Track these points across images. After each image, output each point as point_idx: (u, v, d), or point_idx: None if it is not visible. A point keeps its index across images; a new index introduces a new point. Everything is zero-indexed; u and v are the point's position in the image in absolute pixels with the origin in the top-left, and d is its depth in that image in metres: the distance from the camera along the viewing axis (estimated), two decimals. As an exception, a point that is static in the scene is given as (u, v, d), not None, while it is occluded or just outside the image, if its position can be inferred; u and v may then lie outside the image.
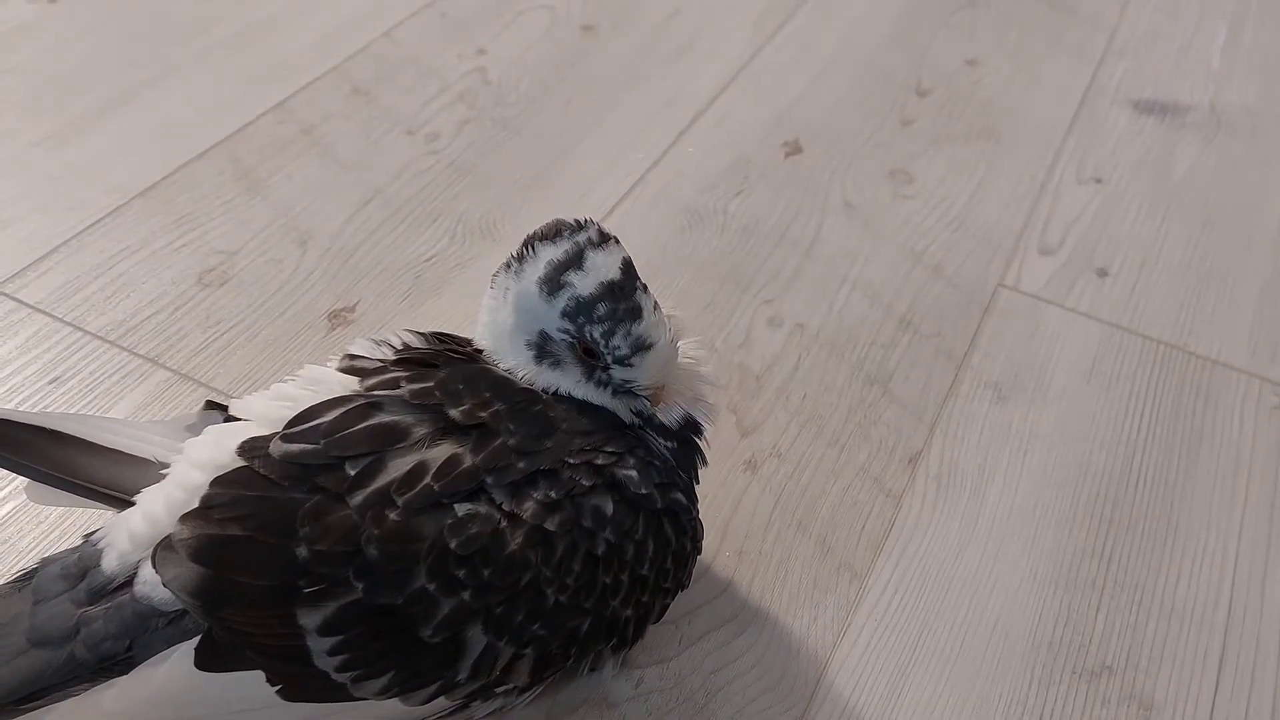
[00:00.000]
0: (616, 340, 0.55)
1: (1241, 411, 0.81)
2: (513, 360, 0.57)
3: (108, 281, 0.82)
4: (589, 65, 1.08)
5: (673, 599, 0.60)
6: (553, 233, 0.55)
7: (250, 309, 0.81)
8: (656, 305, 0.56)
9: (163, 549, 0.50)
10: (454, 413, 0.53)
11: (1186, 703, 0.65)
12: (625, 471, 0.54)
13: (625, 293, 0.54)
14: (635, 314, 0.55)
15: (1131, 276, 0.91)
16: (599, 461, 0.54)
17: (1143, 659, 0.67)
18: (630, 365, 0.55)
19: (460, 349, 0.59)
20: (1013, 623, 0.68)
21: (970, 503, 0.74)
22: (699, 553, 0.60)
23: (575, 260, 0.54)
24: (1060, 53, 1.16)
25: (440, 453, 0.51)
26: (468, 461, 0.51)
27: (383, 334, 0.59)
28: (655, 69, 1.08)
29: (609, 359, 0.55)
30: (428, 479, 0.51)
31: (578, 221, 0.56)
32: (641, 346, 0.55)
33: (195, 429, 0.57)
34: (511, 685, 0.55)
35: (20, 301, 0.80)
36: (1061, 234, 0.95)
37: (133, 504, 0.54)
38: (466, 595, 0.50)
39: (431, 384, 0.54)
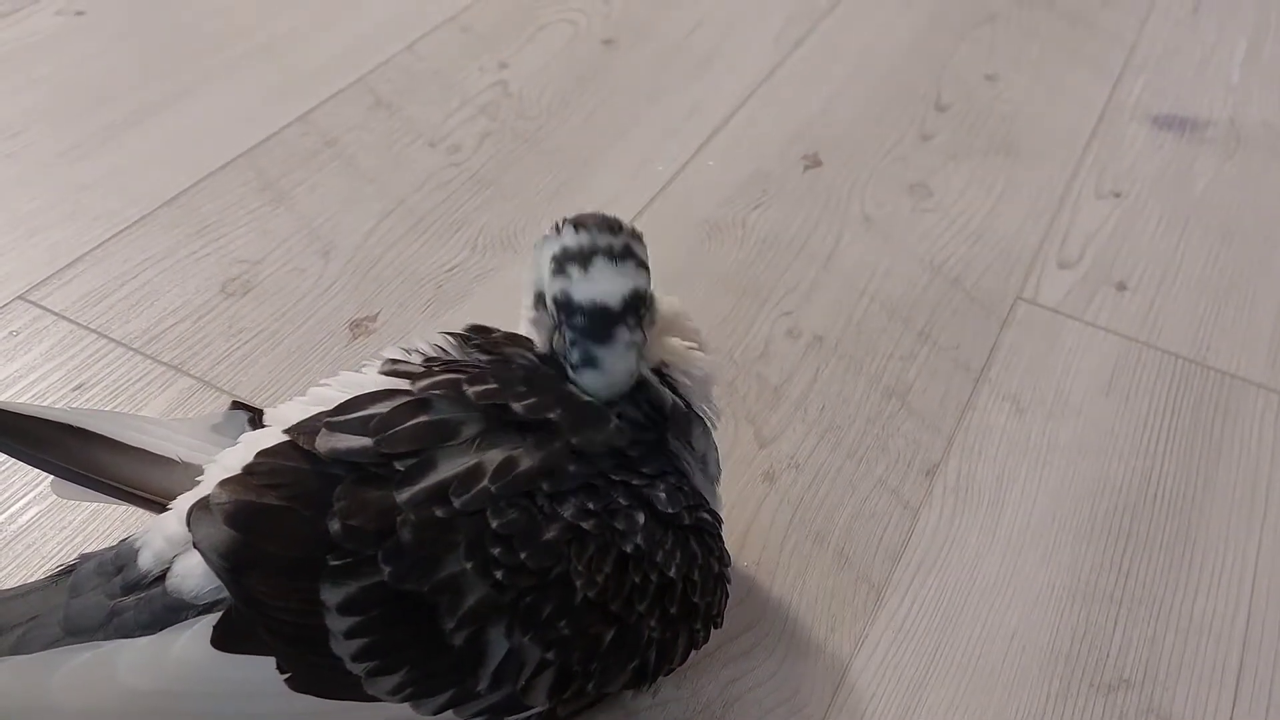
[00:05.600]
0: (573, 348, 0.54)
1: (1261, 426, 0.81)
2: (523, 321, 0.58)
3: (132, 290, 0.83)
4: (610, 78, 1.09)
5: (704, 634, 0.59)
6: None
7: (273, 318, 0.82)
8: (640, 344, 0.55)
9: (198, 509, 0.51)
10: (517, 407, 0.53)
11: (1205, 717, 0.65)
12: (656, 493, 0.55)
13: (609, 319, 0.54)
14: (604, 339, 0.54)
15: (1150, 291, 0.91)
16: (634, 482, 0.54)
17: (1161, 672, 0.67)
18: (577, 372, 0.55)
19: (494, 343, 0.58)
20: (1030, 635, 0.68)
21: (988, 515, 0.74)
22: (727, 581, 0.60)
23: (581, 255, 0.54)
24: (1079, 67, 1.16)
25: (495, 455, 0.51)
26: (525, 464, 0.52)
27: (411, 342, 0.59)
28: (676, 82, 1.09)
29: (561, 350, 0.55)
30: (484, 481, 0.51)
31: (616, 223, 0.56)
32: (588, 361, 0.54)
33: (221, 428, 0.57)
34: (529, 710, 0.54)
35: (46, 309, 0.81)
36: (1080, 248, 0.95)
37: (158, 503, 0.54)
38: (499, 575, 0.50)
39: (495, 385, 0.54)
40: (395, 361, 0.57)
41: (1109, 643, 0.68)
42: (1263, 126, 1.10)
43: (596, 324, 0.54)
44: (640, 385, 0.57)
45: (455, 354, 0.58)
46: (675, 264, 0.89)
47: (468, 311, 0.83)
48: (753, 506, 0.73)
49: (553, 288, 0.54)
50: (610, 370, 0.54)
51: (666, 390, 0.58)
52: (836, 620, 0.67)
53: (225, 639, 0.50)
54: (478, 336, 0.59)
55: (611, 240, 0.55)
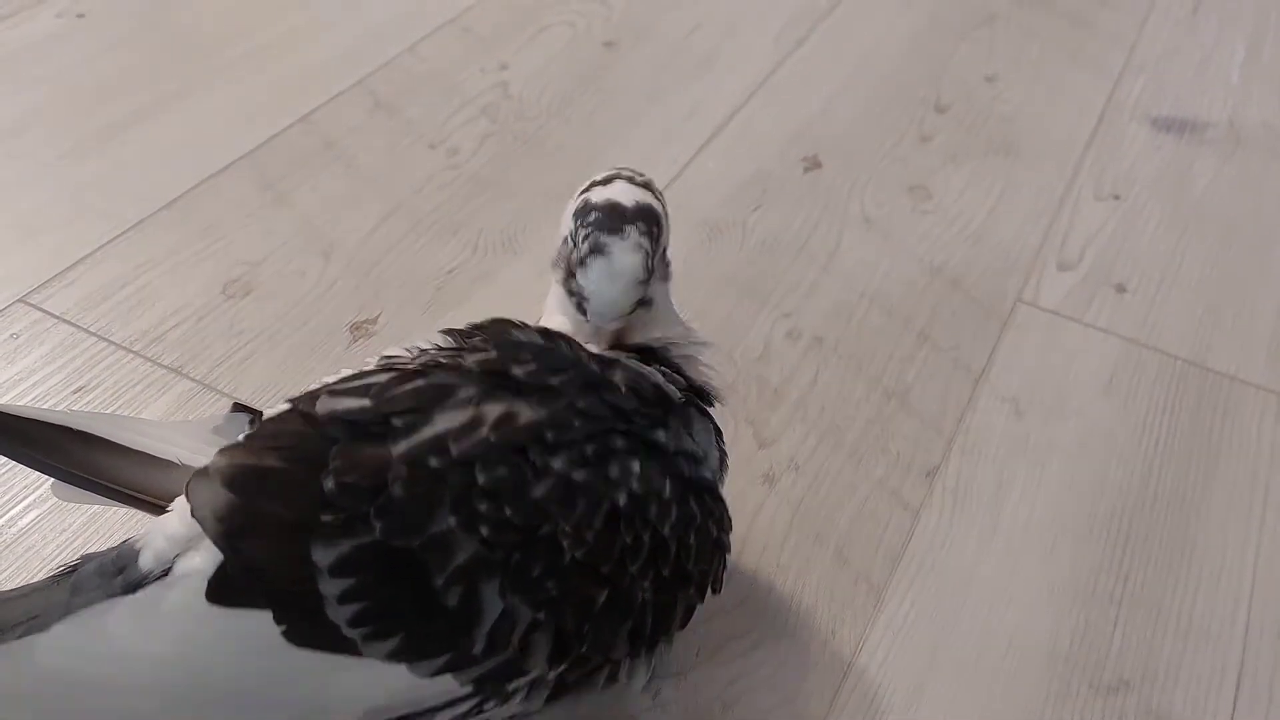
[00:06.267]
0: (584, 242, 0.57)
1: (1260, 427, 0.81)
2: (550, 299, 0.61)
3: (133, 292, 0.83)
4: (610, 80, 1.09)
5: (700, 598, 0.59)
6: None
7: (273, 319, 0.82)
8: (649, 254, 0.58)
9: (197, 476, 0.51)
10: (519, 371, 0.53)
11: (1204, 718, 0.65)
12: (656, 432, 0.55)
13: (622, 216, 0.57)
14: (615, 230, 0.57)
15: (1150, 292, 0.92)
16: (636, 420, 0.55)
17: (1160, 674, 0.67)
18: (584, 266, 0.57)
19: (497, 332, 0.58)
20: (1029, 637, 0.68)
21: (987, 516, 0.74)
22: (726, 549, 0.59)
23: (606, 181, 0.59)
24: (1079, 69, 1.16)
25: (495, 408, 0.52)
26: (526, 417, 0.52)
27: (411, 341, 0.59)
28: (676, 84, 1.09)
29: (574, 257, 0.57)
30: (484, 430, 0.51)
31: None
32: (596, 249, 0.57)
33: (222, 430, 0.57)
34: (529, 677, 0.54)
35: (46, 311, 0.81)
36: (1080, 249, 0.95)
37: (159, 505, 0.54)
38: (485, 532, 0.50)
39: (495, 354, 0.54)
40: (392, 357, 0.57)
41: (1108, 644, 0.68)
42: (1262, 128, 1.10)
43: (610, 217, 0.57)
44: (642, 375, 0.57)
45: (453, 345, 0.58)
46: (675, 265, 0.89)
47: (468, 312, 0.83)
48: (753, 507, 0.73)
49: (574, 206, 0.59)
50: (617, 260, 0.56)
51: (660, 371, 0.59)
52: (837, 621, 0.67)
53: (220, 593, 0.50)
54: (479, 331, 0.59)
55: (633, 174, 0.60)
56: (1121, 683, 0.66)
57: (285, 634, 0.50)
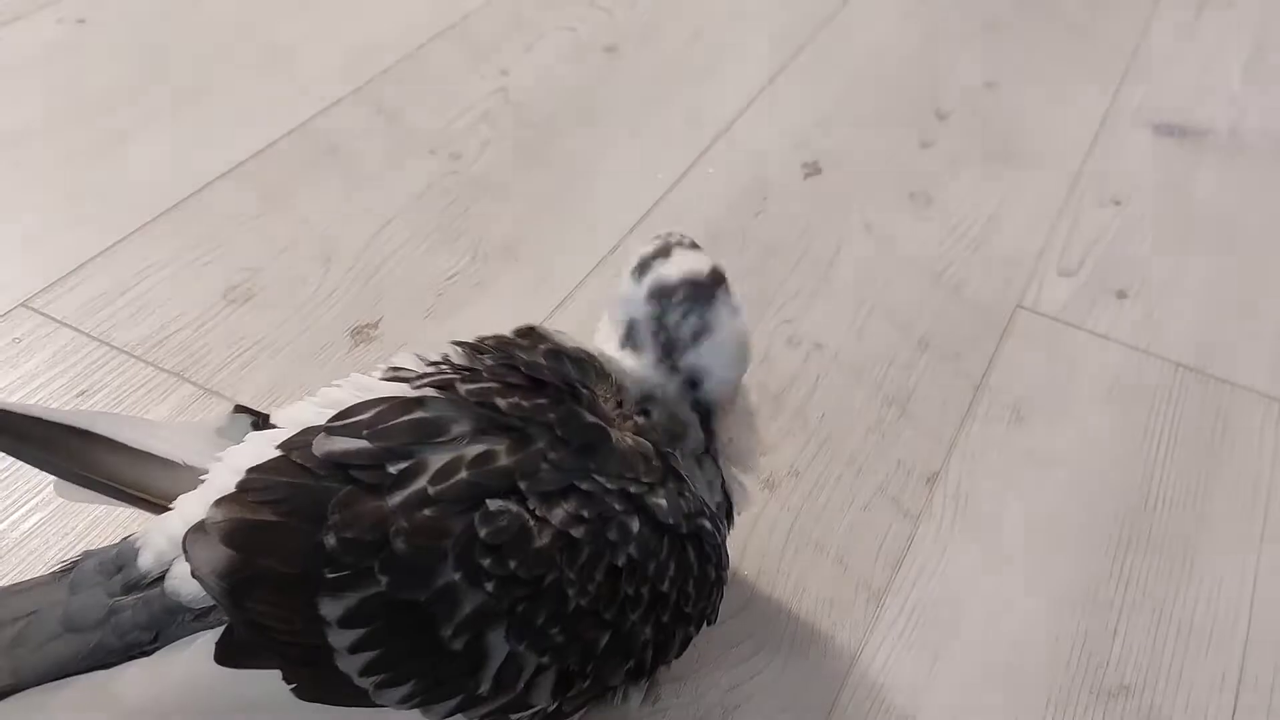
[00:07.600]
0: (686, 322, 0.58)
1: (1261, 434, 0.81)
2: (607, 345, 0.61)
3: (134, 297, 0.83)
4: (610, 86, 1.09)
5: (696, 631, 0.59)
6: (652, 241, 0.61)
7: (274, 325, 0.82)
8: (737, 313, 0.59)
9: (194, 532, 0.51)
10: (501, 403, 0.53)
11: (1205, 724, 0.65)
12: (655, 500, 0.55)
13: (704, 288, 0.58)
14: (708, 299, 0.58)
15: (1151, 299, 0.92)
16: (632, 490, 0.54)
17: (1161, 680, 0.67)
18: (696, 346, 0.58)
19: (504, 346, 0.59)
20: (1030, 643, 0.68)
21: (988, 523, 0.74)
22: (724, 584, 0.60)
23: (663, 253, 0.59)
24: (1080, 75, 1.16)
25: (476, 448, 0.52)
26: (503, 460, 0.52)
27: (419, 349, 0.59)
28: (676, 90, 1.09)
29: (678, 337, 0.58)
30: (462, 471, 0.51)
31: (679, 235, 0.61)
32: (704, 330, 0.58)
33: (225, 432, 0.57)
34: (534, 708, 0.54)
35: (48, 316, 0.81)
36: (1081, 256, 0.95)
37: (161, 505, 0.54)
38: (490, 587, 0.50)
39: (492, 383, 0.54)
40: (397, 369, 0.57)
41: (1109, 650, 0.68)
42: (1263, 135, 1.10)
43: (696, 292, 0.58)
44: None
45: (462, 361, 0.58)
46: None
47: (468, 318, 0.83)
48: (753, 514, 0.72)
49: (641, 288, 0.59)
50: (724, 330, 0.58)
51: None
52: (837, 628, 0.67)
53: (229, 655, 0.50)
54: (490, 343, 0.59)
55: (681, 237, 0.61)
56: (1122, 688, 0.66)
57: (296, 691, 0.51)
